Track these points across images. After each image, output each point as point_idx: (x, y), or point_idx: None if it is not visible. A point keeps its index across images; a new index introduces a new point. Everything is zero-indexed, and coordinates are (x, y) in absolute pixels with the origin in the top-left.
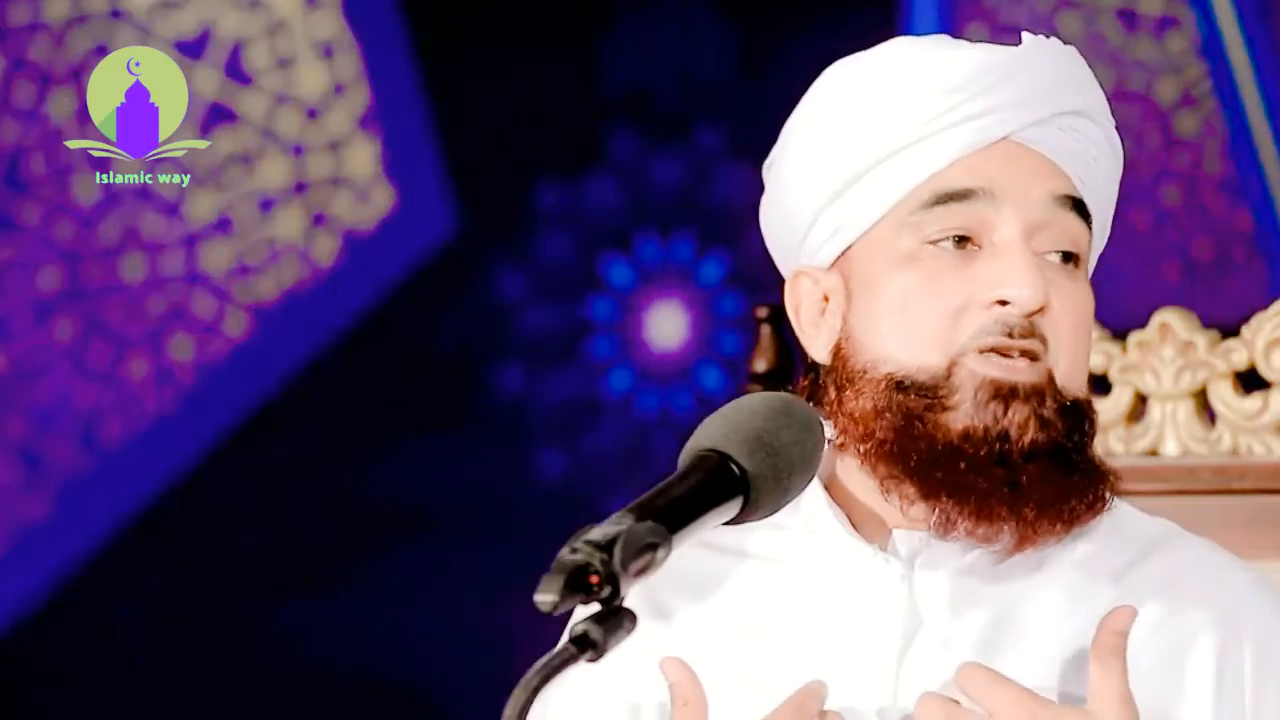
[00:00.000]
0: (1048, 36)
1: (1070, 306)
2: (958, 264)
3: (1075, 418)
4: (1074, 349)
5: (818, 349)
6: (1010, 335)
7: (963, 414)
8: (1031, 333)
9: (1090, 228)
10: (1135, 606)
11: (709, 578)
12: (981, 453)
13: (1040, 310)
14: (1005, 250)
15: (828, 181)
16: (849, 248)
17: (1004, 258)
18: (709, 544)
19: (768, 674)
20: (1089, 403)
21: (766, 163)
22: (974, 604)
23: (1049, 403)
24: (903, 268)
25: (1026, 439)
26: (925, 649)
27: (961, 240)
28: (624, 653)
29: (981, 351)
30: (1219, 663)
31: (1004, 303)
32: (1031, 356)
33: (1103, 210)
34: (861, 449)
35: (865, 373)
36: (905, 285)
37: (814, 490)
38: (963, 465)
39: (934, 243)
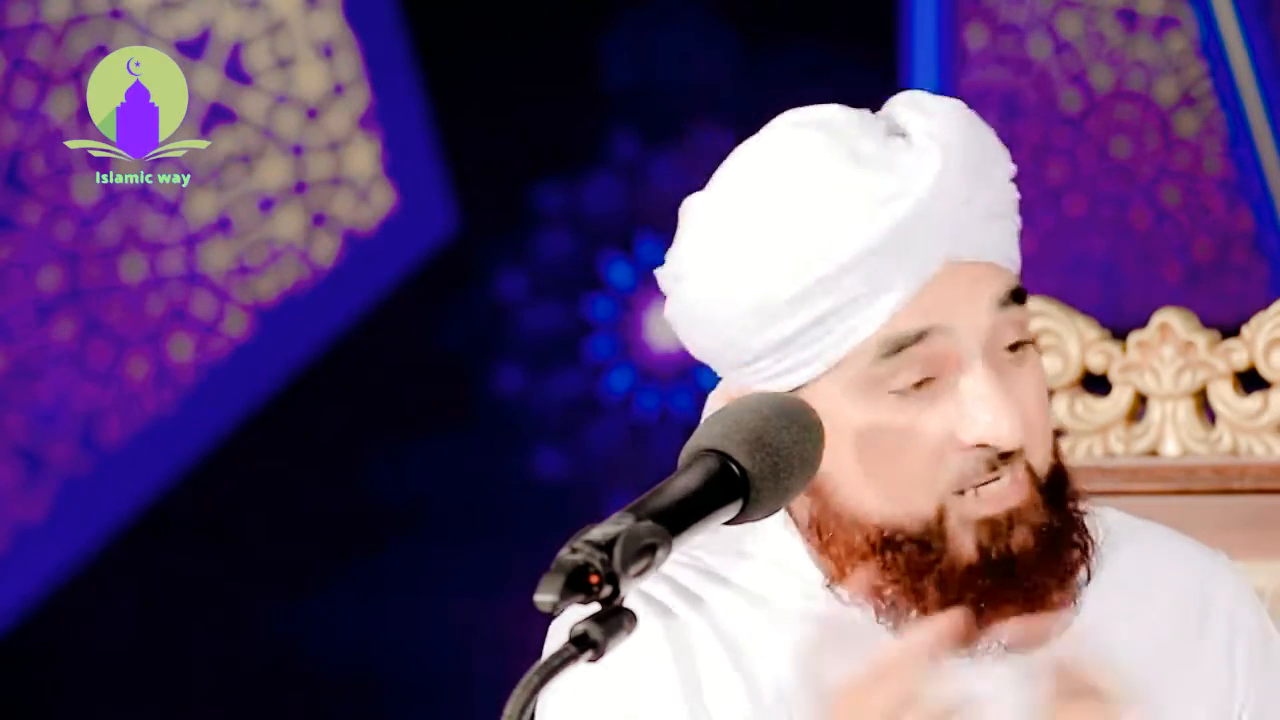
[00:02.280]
0: (951, 101)
1: (1031, 396)
2: (924, 405)
3: (1057, 488)
4: (1043, 434)
5: None
6: (994, 469)
7: (966, 553)
8: (1009, 456)
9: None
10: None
11: (699, 597)
12: (993, 576)
13: None
14: (973, 385)
15: (767, 332)
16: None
17: (974, 395)
18: (701, 569)
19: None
20: (1061, 464)
21: (670, 273)
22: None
23: (1040, 506)
24: (869, 414)
25: (1031, 550)
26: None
27: (922, 382)
28: (628, 645)
29: (964, 492)
30: (1225, 646)
31: (983, 445)
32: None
33: (1014, 220)
34: (862, 568)
35: (854, 519)
36: (876, 434)
37: (793, 542)
38: (978, 583)
39: (897, 391)
